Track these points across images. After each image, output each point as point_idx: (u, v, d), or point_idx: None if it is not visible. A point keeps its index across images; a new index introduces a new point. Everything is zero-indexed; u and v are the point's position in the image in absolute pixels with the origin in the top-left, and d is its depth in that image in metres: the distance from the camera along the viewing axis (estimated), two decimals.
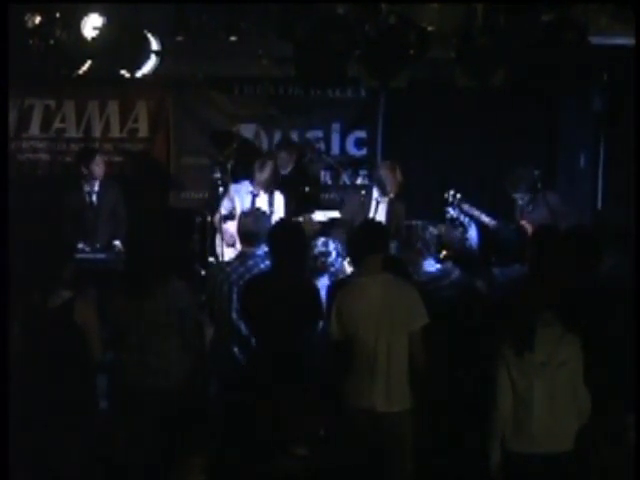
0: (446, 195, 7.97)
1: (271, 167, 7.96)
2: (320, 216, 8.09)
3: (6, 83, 5.14)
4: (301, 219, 7.95)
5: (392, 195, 7.78)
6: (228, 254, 7.84)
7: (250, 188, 8.03)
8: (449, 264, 5.52)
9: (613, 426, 4.68)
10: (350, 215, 7.85)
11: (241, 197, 8.05)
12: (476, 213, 7.88)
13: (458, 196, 7.92)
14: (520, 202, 7.88)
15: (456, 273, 5.43)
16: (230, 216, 8.03)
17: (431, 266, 5.53)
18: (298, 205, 8.45)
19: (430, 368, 4.82)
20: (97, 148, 8.70)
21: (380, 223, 5.46)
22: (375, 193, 7.85)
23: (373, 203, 7.84)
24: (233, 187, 8.17)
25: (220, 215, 8.06)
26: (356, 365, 4.85)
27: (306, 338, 5.23)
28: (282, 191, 8.20)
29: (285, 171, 8.76)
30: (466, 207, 7.88)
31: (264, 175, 7.91)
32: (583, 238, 5.30)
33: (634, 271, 5.05)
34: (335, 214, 8.19)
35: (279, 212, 7.99)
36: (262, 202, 7.97)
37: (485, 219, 7.86)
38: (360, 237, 5.18)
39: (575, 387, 4.39)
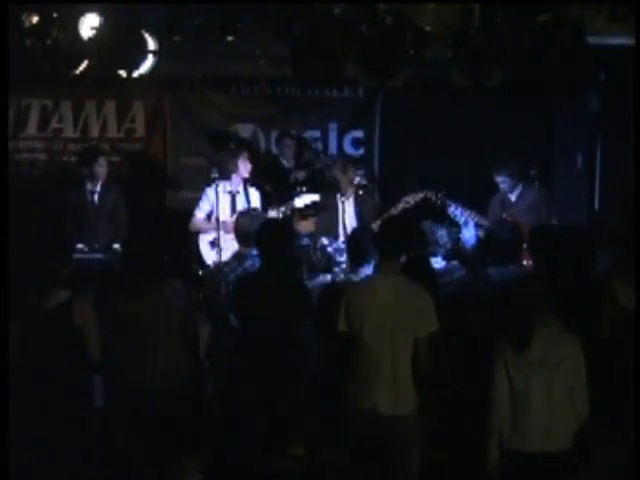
0: (429, 195, 7.52)
1: (246, 155, 8.08)
2: (300, 203, 8.01)
3: (6, 83, 5.14)
4: (283, 209, 7.90)
5: (349, 193, 7.77)
6: (210, 256, 7.87)
7: (229, 188, 8.03)
8: (455, 263, 5.51)
9: (613, 426, 4.68)
10: (328, 219, 7.85)
11: (219, 198, 7.96)
12: (465, 214, 7.37)
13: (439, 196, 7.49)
14: (502, 185, 7.75)
15: (460, 272, 5.42)
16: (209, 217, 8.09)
17: (437, 263, 5.51)
18: (273, 197, 8.39)
19: (433, 374, 4.77)
20: (101, 149, 8.65)
21: (402, 223, 5.32)
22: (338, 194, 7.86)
23: (339, 204, 7.82)
24: (208, 189, 8.09)
25: (196, 218, 8.06)
26: (359, 364, 4.78)
27: (298, 337, 5.22)
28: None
29: (290, 163, 8.78)
30: (451, 209, 7.37)
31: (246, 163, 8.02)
32: (580, 238, 5.31)
33: (634, 271, 5.04)
34: (315, 197, 8.07)
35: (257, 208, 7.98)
36: (240, 200, 8.02)
37: (473, 220, 7.36)
38: (380, 237, 5.06)
39: (573, 387, 4.39)
